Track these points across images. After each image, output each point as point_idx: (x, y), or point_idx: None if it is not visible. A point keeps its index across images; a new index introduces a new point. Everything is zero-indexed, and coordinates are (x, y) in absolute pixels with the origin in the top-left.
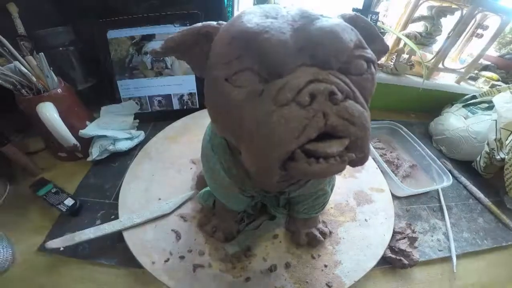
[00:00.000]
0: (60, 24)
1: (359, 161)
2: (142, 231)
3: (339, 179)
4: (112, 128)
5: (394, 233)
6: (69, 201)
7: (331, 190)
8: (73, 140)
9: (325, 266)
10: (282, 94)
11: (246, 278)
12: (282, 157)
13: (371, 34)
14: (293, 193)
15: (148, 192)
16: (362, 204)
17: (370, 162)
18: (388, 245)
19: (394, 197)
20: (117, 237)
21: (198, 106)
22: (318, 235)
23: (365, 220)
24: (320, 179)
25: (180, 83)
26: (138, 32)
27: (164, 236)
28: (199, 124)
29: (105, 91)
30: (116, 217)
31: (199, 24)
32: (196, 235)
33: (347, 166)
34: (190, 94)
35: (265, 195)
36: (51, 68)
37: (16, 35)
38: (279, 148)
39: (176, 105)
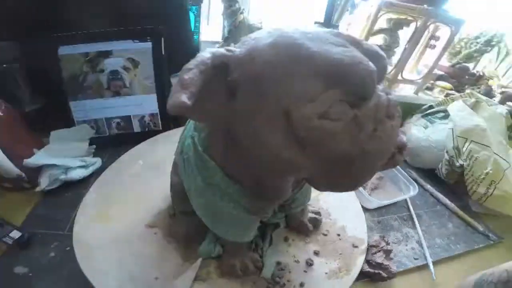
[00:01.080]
0: (6, 38)
1: None
2: None
3: None
4: (63, 155)
5: (369, 246)
6: (15, 233)
7: None
8: (15, 171)
9: (338, 235)
10: (378, 113)
11: (300, 284)
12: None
13: None
14: (296, 193)
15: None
16: None
17: None
18: (365, 259)
19: (365, 209)
20: None
21: (161, 128)
22: (317, 216)
23: None
24: None
25: (140, 103)
26: (93, 48)
27: None
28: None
29: (57, 113)
30: (72, 249)
31: (207, 55)
32: (228, 285)
33: None
34: (152, 115)
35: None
36: None
37: None
38: (387, 154)
39: (136, 128)
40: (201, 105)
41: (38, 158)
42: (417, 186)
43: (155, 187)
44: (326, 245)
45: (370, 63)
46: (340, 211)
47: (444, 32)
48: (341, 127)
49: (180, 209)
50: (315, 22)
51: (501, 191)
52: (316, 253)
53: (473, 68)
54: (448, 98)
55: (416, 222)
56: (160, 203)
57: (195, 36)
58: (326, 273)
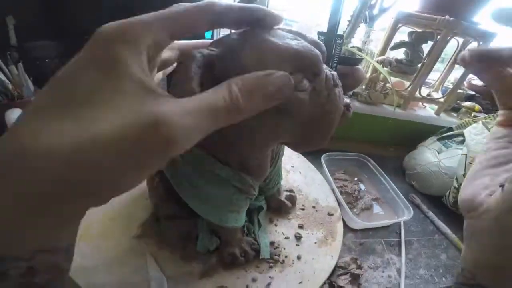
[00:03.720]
0: (51, 38)
1: None
2: None
3: None
4: None
5: (337, 267)
6: None
7: None
8: None
9: (313, 207)
10: (328, 83)
11: (297, 256)
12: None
13: None
14: (272, 172)
15: None
16: None
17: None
18: (330, 280)
19: (349, 229)
20: None
21: None
22: (291, 193)
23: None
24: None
25: None
26: None
27: None
28: None
29: None
30: None
31: (199, 54)
32: (234, 275)
33: None
34: None
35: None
36: (31, 78)
37: (8, 46)
38: (340, 112)
39: None
40: None
41: None
42: (412, 211)
43: (130, 197)
44: (307, 218)
45: (315, 49)
46: (308, 186)
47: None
48: (307, 96)
49: (164, 214)
50: (318, 32)
51: None
52: (300, 227)
53: None
54: (469, 120)
55: (403, 249)
56: (140, 214)
57: None
58: (315, 242)
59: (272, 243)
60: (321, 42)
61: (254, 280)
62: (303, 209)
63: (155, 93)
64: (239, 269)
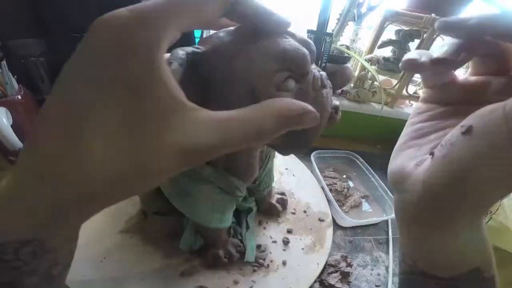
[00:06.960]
0: (35, 36)
1: None
2: None
3: None
4: None
5: (327, 265)
6: None
7: None
8: (18, 145)
9: (304, 212)
10: (315, 84)
11: (282, 262)
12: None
13: None
14: (262, 174)
15: None
16: None
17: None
18: (320, 278)
19: (339, 227)
20: None
21: None
22: (283, 196)
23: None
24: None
25: None
26: None
27: None
28: None
29: None
30: None
31: (182, 52)
32: (216, 275)
33: None
34: None
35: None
36: (15, 76)
37: None
38: (327, 114)
39: None
40: None
41: None
42: None
43: None
44: (297, 223)
45: (304, 48)
46: (301, 190)
47: None
48: (291, 96)
49: (152, 210)
50: (308, 30)
51: (496, 222)
52: (289, 232)
53: None
54: None
55: (390, 246)
56: (130, 209)
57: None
58: (302, 248)
59: (259, 246)
60: (310, 41)
61: (236, 282)
62: (293, 213)
63: (183, 104)
64: (222, 270)
